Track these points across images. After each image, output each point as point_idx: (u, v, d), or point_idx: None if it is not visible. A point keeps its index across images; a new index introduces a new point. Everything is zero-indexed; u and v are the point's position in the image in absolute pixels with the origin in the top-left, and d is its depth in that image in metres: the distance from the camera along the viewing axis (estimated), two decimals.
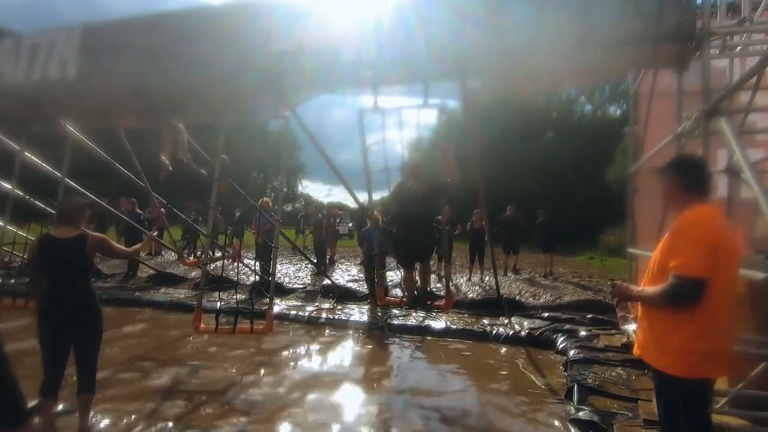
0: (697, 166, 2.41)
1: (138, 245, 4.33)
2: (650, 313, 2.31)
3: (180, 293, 8.55)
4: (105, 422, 3.63)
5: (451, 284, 5.73)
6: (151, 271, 10.06)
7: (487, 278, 10.73)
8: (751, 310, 3.62)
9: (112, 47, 4.10)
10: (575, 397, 4.09)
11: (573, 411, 3.88)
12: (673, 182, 2.36)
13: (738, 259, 2.20)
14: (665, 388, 2.26)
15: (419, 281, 5.54)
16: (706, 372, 2.14)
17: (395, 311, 7.40)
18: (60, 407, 3.55)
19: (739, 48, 3.96)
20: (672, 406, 2.23)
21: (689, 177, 2.33)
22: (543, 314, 7.25)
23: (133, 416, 3.76)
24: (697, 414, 2.18)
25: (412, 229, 5.02)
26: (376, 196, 6.62)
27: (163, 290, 8.88)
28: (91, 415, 3.44)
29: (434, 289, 7.31)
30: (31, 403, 3.16)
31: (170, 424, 3.65)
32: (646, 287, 2.33)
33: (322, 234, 12.41)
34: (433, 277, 10.00)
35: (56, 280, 3.19)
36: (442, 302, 5.26)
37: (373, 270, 8.28)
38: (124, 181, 6.84)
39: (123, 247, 3.90)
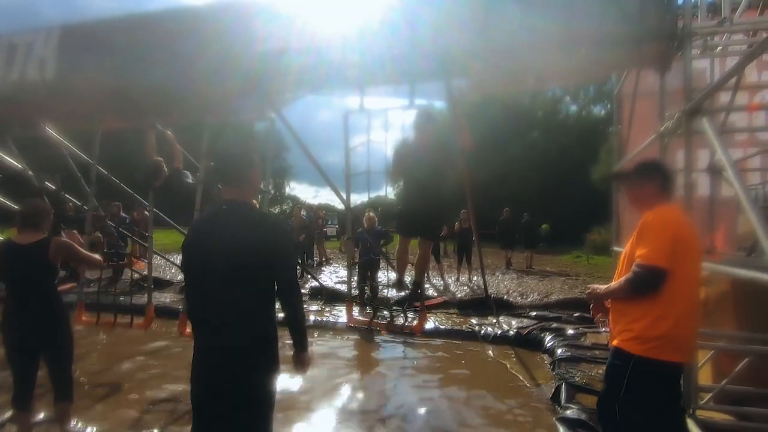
0: (664, 169, 2.56)
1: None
2: (617, 305, 2.44)
3: (166, 297, 8.44)
4: (88, 431, 3.56)
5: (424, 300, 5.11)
6: (136, 275, 9.91)
7: (475, 278, 10.78)
8: (734, 307, 3.67)
9: (91, 48, 4.01)
10: (563, 396, 4.11)
11: (561, 409, 3.89)
12: (642, 185, 2.50)
13: (698, 253, 2.33)
14: (617, 365, 2.35)
15: (414, 269, 5.04)
16: (662, 354, 2.22)
17: (385, 312, 7.37)
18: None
19: (719, 48, 4.01)
20: (617, 385, 2.31)
21: (657, 180, 2.47)
22: (531, 313, 7.29)
23: (117, 424, 3.70)
24: (642, 397, 2.26)
25: (416, 193, 4.47)
26: (363, 197, 6.59)
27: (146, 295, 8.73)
28: (71, 423, 3.36)
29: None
30: (5, 415, 3.07)
31: (155, 430, 3.60)
32: (614, 281, 2.47)
33: (304, 235, 12.38)
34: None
35: (18, 288, 3.06)
36: (414, 324, 4.71)
37: (366, 272, 8.26)
38: (108, 184, 6.73)
39: (91, 254, 3.59)
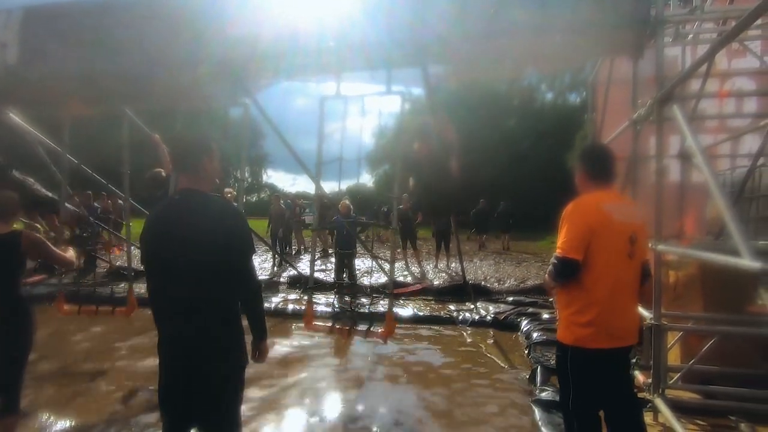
0: (597, 155, 2.57)
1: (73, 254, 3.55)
2: (557, 294, 2.55)
3: (140, 289, 8.28)
4: (62, 424, 3.49)
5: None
6: (110, 266, 9.71)
7: (453, 264, 10.88)
8: (701, 289, 3.78)
9: (56, 31, 3.85)
10: (538, 378, 4.20)
11: (536, 392, 3.98)
12: (578, 171, 2.56)
13: (621, 240, 2.33)
14: (559, 356, 2.48)
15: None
16: (593, 342, 2.30)
17: (363, 300, 7.39)
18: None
19: (690, 36, 4.08)
20: (565, 375, 2.43)
21: (588, 165, 2.51)
22: (507, 298, 7.41)
23: (92, 416, 3.63)
24: (587, 385, 2.36)
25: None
26: (340, 185, 6.56)
27: (122, 285, 8.56)
28: None
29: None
30: None
31: (131, 424, 3.55)
32: None
33: (282, 223, 12.28)
34: (400, 264, 10.08)
35: None
36: (380, 329, 4.12)
37: (343, 259, 8.27)
38: (77, 173, 6.52)
39: (62, 253, 3.35)
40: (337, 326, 4.28)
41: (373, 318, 4.29)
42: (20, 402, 3.00)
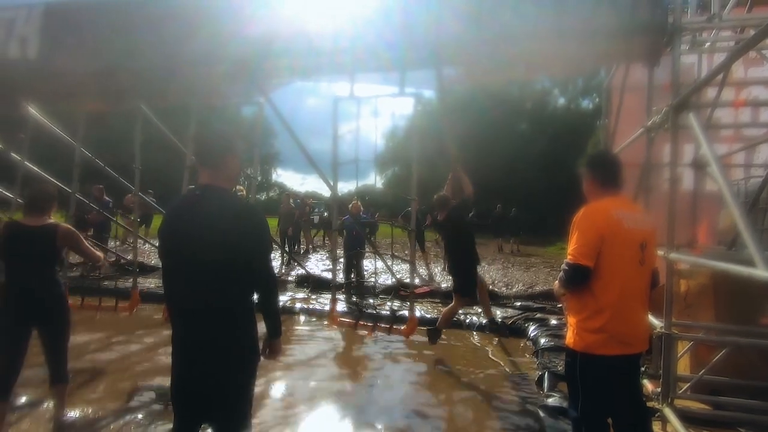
0: (605, 162, 2.58)
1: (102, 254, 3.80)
2: (567, 300, 2.53)
3: (150, 282, 8.36)
4: (73, 414, 3.54)
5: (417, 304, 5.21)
6: (121, 260, 9.79)
7: None
8: (713, 299, 3.75)
9: (75, 27, 3.91)
10: (546, 384, 4.18)
11: (543, 397, 3.96)
12: (586, 178, 2.56)
13: (632, 247, 2.32)
14: (569, 362, 2.46)
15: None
16: (603, 348, 2.29)
17: (371, 300, 7.43)
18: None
19: (707, 44, 4.05)
20: (575, 381, 2.41)
21: (596, 172, 2.51)
22: (515, 303, 7.38)
23: (103, 408, 3.68)
24: (596, 391, 2.35)
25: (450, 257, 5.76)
26: (350, 185, 6.57)
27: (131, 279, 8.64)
28: (65, 406, 3.41)
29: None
30: None
31: (140, 416, 3.58)
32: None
33: (291, 222, 12.33)
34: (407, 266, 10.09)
35: (19, 269, 3.06)
36: (403, 328, 4.49)
37: (351, 259, 8.30)
38: (91, 167, 6.60)
39: (92, 248, 3.53)
40: (361, 322, 4.63)
41: (395, 318, 4.42)
42: (68, 372, 3.33)
